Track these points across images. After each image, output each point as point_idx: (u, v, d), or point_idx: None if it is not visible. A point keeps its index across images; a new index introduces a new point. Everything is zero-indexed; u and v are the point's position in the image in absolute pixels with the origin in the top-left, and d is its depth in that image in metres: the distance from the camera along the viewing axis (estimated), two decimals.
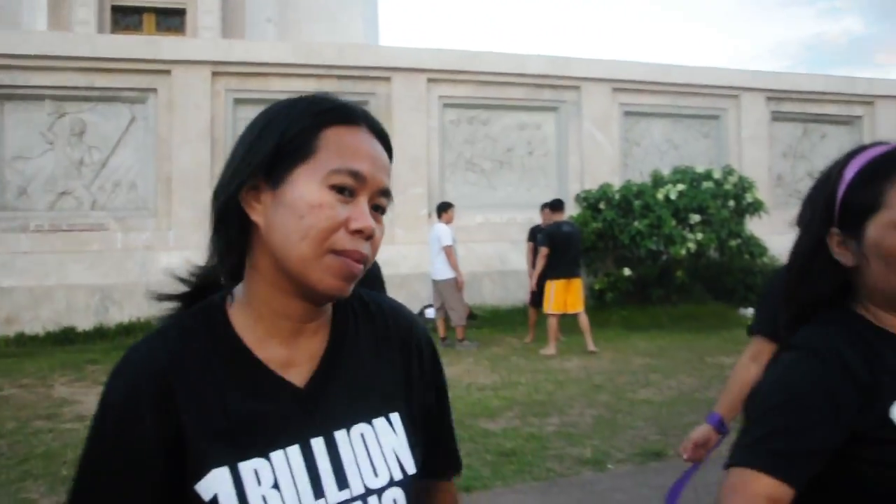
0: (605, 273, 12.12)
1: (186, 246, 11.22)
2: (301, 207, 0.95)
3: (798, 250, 1.29)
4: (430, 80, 12.70)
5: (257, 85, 12.13)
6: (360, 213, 0.96)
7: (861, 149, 1.26)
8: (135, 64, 11.63)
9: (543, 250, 9.67)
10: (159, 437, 0.93)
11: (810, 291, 1.26)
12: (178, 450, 0.93)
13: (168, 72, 11.78)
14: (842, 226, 1.22)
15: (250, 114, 10.03)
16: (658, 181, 12.20)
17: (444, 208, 10.22)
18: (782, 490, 1.10)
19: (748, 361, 2.42)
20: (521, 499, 4.55)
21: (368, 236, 0.97)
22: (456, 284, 9.84)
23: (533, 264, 10.30)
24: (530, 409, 6.62)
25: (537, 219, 10.84)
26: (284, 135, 0.98)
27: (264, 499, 0.93)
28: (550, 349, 9.48)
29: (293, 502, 0.94)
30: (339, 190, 0.96)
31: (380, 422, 1.05)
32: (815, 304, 1.26)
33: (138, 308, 10.67)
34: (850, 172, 1.22)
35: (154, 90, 11.83)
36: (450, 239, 9.84)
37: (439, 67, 12.77)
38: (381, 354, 1.10)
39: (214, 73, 11.97)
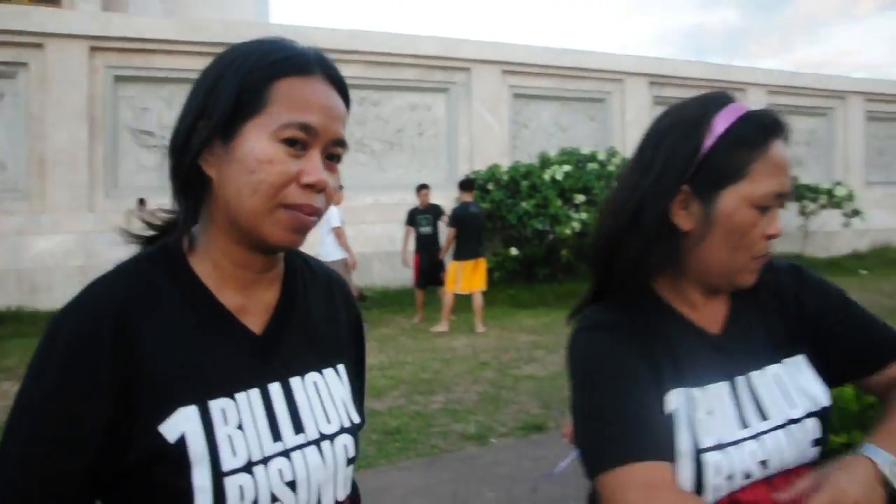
0: (492, 253, 12.35)
1: (62, 230, 10.74)
2: (251, 163, 0.94)
3: (625, 197, 1.16)
4: None
5: (140, 62, 11.68)
6: (312, 166, 0.96)
7: (727, 99, 1.15)
8: (3, 36, 10.98)
9: (451, 231, 9.75)
10: (114, 379, 0.89)
11: (648, 256, 1.13)
12: (132, 392, 0.90)
13: (40, 45, 11.17)
14: (693, 185, 1.11)
15: (133, 92, 9.70)
16: (545, 162, 12.50)
17: None
18: (658, 469, 1.02)
19: None
20: (404, 475, 4.63)
21: (320, 189, 0.97)
22: (345, 266, 9.82)
23: (414, 245, 10.41)
24: (416, 388, 6.72)
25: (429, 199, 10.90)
26: (240, 91, 0.96)
27: (230, 438, 0.93)
28: (443, 326, 9.62)
29: (255, 443, 0.95)
30: (291, 143, 0.95)
31: (329, 371, 1.08)
32: (625, 271, 1.16)
33: (9, 296, 10.17)
34: (719, 126, 1.10)
35: (25, 64, 11.21)
36: (339, 220, 9.79)
37: (330, 47, 12.39)
38: (328, 308, 1.13)
39: (93, 49, 11.44)
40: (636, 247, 1.13)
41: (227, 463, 0.92)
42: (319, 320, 1.11)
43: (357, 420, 1.09)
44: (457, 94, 13.91)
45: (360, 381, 1.21)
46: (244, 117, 0.96)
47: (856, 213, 17.50)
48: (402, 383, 6.91)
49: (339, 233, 9.76)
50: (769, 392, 1.13)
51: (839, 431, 2.50)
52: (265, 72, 0.96)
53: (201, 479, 0.89)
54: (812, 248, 17.18)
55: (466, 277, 9.63)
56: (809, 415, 1.13)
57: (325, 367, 1.08)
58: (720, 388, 1.12)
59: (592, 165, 12.38)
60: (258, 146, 0.94)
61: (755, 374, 1.14)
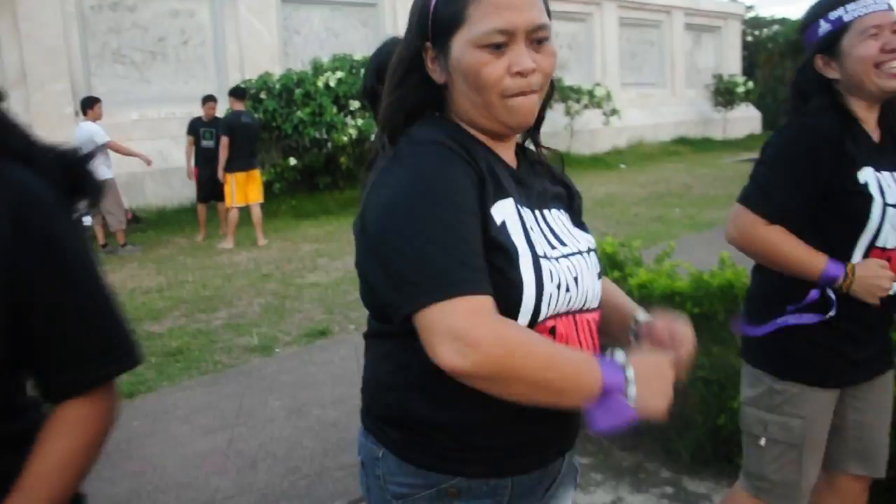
0: (271, 164, 12.07)
1: None
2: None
3: (396, 63, 1.24)
4: None
5: None
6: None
7: None
8: None
9: (224, 141, 9.34)
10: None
11: (405, 102, 1.21)
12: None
13: None
14: (433, 41, 1.18)
15: None
16: (318, 69, 12.24)
17: (89, 104, 9.34)
18: (477, 301, 1.03)
19: None
20: (187, 395, 4.57)
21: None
22: (110, 186, 9.19)
23: (195, 159, 9.99)
24: (198, 306, 6.57)
25: (198, 112, 10.36)
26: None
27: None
28: (229, 242, 9.38)
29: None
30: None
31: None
32: (411, 112, 1.21)
33: None
34: None
35: None
36: (103, 136, 9.09)
37: None
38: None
39: None
40: (396, 97, 1.22)
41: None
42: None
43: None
44: (221, 0, 13.14)
45: None
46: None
47: (614, 112, 18.91)
48: (183, 303, 6.71)
49: (113, 146, 9.13)
50: (558, 226, 1.27)
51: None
52: None
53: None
54: (578, 145, 18.40)
55: (240, 190, 9.38)
56: (590, 250, 1.29)
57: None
58: (529, 213, 1.21)
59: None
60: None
61: (546, 212, 1.27)
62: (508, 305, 1.10)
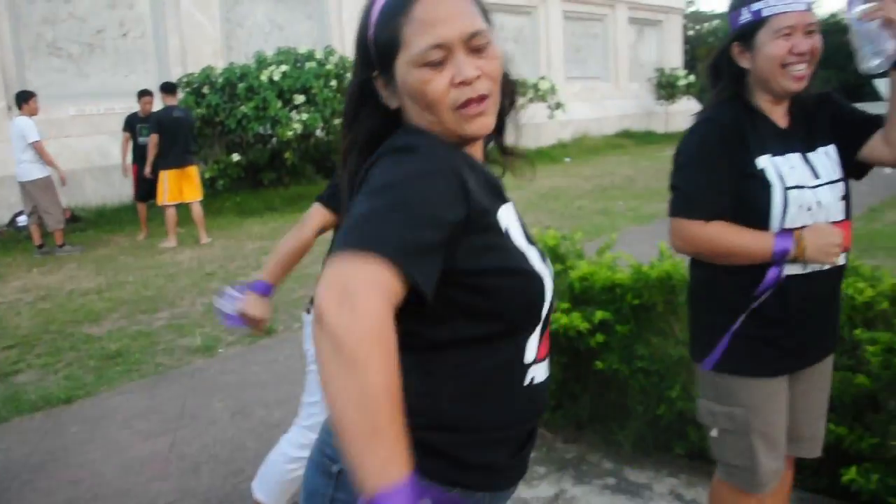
0: (214, 160, 11.88)
1: None
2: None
3: (347, 101, 1.25)
4: None
5: None
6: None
7: None
8: None
9: (153, 138, 9.14)
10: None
11: (363, 134, 1.21)
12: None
13: None
14: (380, 68, 1.18)
15: None
16: (262, 63, 12.07)
17: (24, 98, 9.07)
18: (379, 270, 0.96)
19: (299, 226, 2.38)
20: (127, 399, 4.47)
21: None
22: (46, 186, 8.93)
23: (131, 156, 9.78)
24: (138, 307, 6.43)
25: (137, 107, 10.13)
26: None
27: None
28: (171, 241, 9.20)
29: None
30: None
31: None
32: (372, 143, 1.20)
33: None
34: (375, 12, 1.18)
35: None
36: (36, 133, 8.82)
37: None
38: None
39: None
40: (354, 135, 1.23)
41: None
42: None
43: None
44: None
45: None
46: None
47: (558, 105, 19.06)
48: (123, 304, 6.56)
49: (38, 147, 8.82)
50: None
51: None
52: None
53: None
54: (523, 139, 18.33)
55: (173, 186, 9.19)
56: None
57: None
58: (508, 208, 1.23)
59: (311, 64, 12.14)
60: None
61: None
62: (533, 300, 1.18)
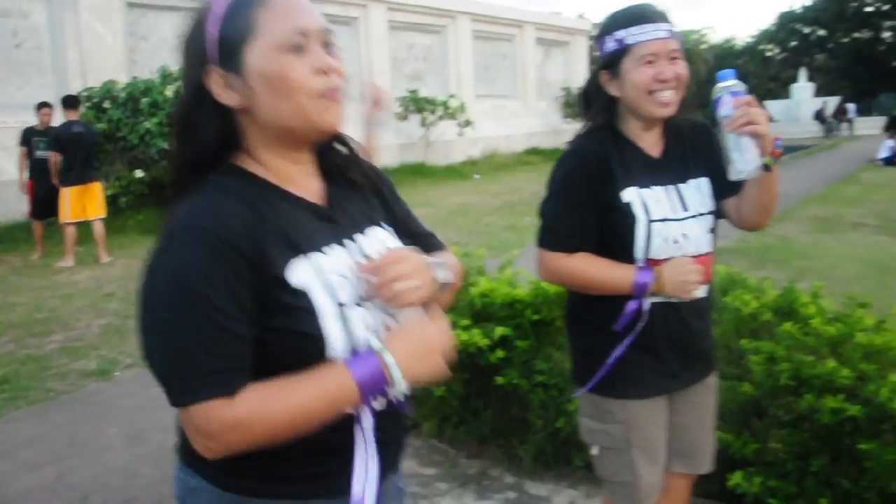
0: (116, 177, 11.49)
1: None
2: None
3: (177, 110, 1.20)
4: None
5: None
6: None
7: None
8: None
9: (53, 156, 8.76)
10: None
11: (195, 146, 1.17)
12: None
13: None
14: (222, 64, 1.15)
15: None
16: (167, 78, 11.77)
17: None
18: (216, 402, 1.08)
19: None
20: (12, 427, 4.25)
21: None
22: None
23: (28, 171, 9.34)
24: (29, 330, 6.13)
25: (32, 120, 9.69)
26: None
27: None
28: (69, 261, 8.82)
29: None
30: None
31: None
32: (201, 161, 1.18)
33: None
34: (218, 7, 1.16)
35: None
36: None
37: None
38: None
39: None
40: (183, 146, 1.19)
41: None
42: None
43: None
44: (59, 2, 12.39)
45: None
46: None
47: (468, 123, 19.29)
48: (12, 327, 6.24)
49: None
50: (374, 249, 1.25)
51: None
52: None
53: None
54: (433, 156, 18.62)
55: (75, 204, 8.83)
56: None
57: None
58: (334, 255, 1.19)
59: None
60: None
61: (360, 237, 1.26)
62: (309, 358, 1.12)
